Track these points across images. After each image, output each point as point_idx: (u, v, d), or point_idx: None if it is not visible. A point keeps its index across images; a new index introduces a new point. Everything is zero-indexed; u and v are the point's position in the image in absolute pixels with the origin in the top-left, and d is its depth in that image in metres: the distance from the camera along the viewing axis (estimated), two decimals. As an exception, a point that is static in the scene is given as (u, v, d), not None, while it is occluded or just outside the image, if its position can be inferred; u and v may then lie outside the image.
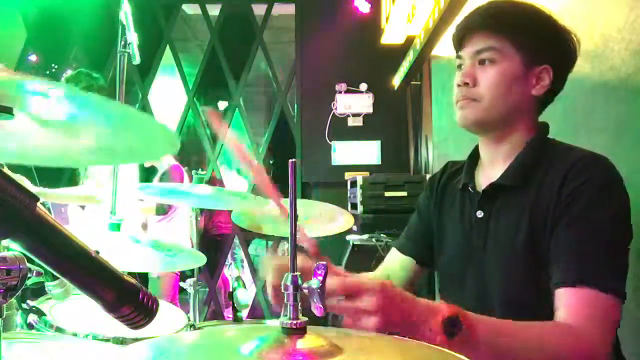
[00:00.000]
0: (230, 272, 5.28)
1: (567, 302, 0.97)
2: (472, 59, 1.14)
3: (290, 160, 0.70)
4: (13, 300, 0.69)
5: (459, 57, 1.18)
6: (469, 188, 1.19)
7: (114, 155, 0.83)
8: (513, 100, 1.12)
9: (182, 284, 2.10)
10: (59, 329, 1.33)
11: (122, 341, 1.31)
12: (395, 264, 1.36)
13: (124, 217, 1.87)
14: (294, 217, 0.71)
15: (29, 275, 0.64)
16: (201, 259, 1.67)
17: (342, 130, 4.47)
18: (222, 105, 6.83)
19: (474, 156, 1.24)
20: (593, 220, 1.00)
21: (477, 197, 1.16)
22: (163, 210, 3.56)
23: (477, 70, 1.13)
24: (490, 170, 1.18)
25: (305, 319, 0.67)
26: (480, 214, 1.15)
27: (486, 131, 1.17)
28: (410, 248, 1.36)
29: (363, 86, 4.46)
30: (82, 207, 3.18)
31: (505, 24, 1.12)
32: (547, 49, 1.12)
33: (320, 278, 0.70)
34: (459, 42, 1.17)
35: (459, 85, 1.14)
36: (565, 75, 1.16)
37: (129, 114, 0.73)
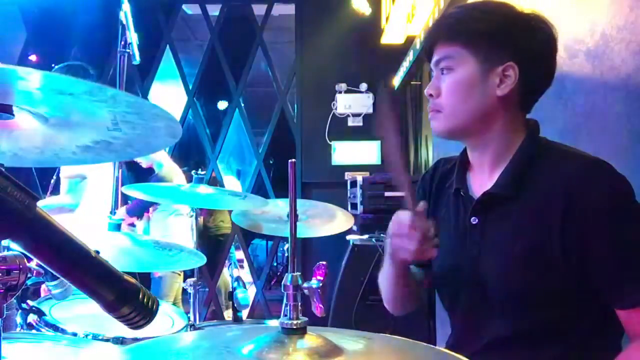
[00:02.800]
0: (230, 271, 5.28)
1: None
2: (436, 70, 1.14)
3: (290, 160, 0.70)
4: (13, 300, 0.69)
5: (430, 69, 1.18)
6: (462, 193, 1.17)
7: (111, 151, 0.81)
8: (474, 105, 1.09)
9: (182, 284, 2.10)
10: (59, 329, 1.33)
11: (122, 341, 1.31)
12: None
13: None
14: (294, 217, 0.71)
15: (29, 275, 0.64)
16: (201, 259, 1.67)
17: (342, 130, 4.46)
18: (222, 105, 6.83)
19: (464, 159, 1.21)
20: (635, 234, 1.00)
21: (471, 203, 1.14)
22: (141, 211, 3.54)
23: (440, 80, 1.13)
24: (481, 175, 1.16)
25: (305, 319, 0.67)
26: (474, 220, 1.13)
27: (461, 138, 1.16)
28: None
29: (363, 86, 4.46)
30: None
31: (456, 30, 1.11)
32: (506, 45, 1.08)
33: (320, 278, 0.70)
34: (427, 55, 1.17)
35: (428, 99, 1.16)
36: (539, 68, 1.11)
37: (127, 101, 0.70)
